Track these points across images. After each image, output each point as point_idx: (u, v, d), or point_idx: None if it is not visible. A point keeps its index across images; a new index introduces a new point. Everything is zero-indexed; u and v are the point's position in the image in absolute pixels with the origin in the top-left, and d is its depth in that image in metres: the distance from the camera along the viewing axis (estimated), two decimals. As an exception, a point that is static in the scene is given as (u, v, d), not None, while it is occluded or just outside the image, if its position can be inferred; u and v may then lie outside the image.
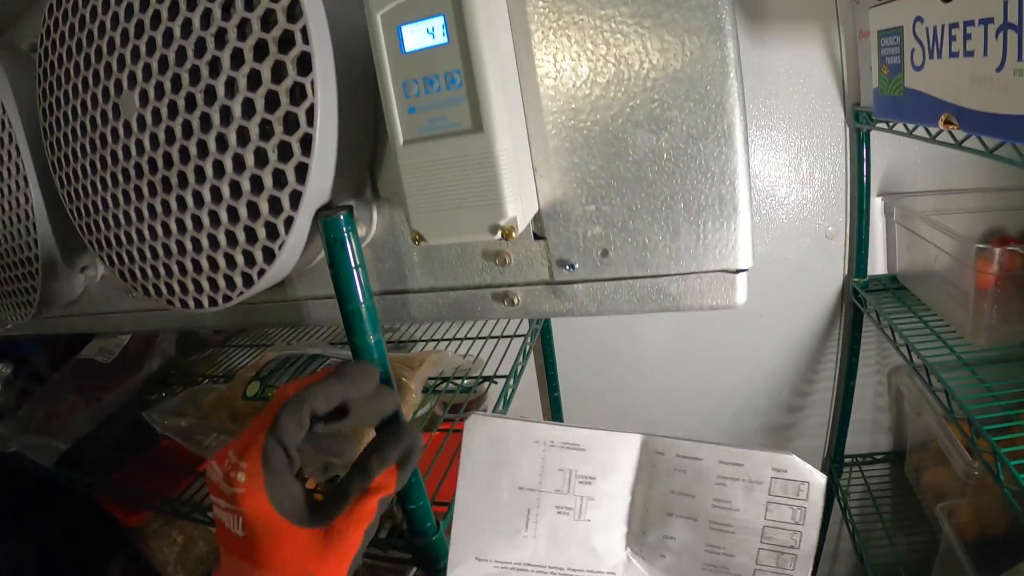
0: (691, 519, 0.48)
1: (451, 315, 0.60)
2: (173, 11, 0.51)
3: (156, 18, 0.52)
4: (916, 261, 1.22)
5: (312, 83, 0.47)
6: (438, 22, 0.45)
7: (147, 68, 0.54)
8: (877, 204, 1.27)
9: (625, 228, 0.51)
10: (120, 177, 0.59)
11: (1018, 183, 1.25)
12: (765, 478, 0.47)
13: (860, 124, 1.19)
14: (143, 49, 0.54)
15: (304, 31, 0.46)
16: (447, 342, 1.18)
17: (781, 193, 1.26)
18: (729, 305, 0.50)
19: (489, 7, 0.46)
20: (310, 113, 0.48)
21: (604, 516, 0.49)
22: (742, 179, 0.50)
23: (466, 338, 1.18)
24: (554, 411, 1.49)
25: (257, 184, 0.51)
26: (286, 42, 0.48)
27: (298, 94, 0.48)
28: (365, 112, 0.54)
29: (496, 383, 1.03)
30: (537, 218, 0.55)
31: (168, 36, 0.52)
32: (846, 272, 1.32)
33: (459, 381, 1.05)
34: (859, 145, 1.22)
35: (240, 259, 0.54)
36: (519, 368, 1.01)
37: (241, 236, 0.53)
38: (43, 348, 1.38)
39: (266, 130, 0.50)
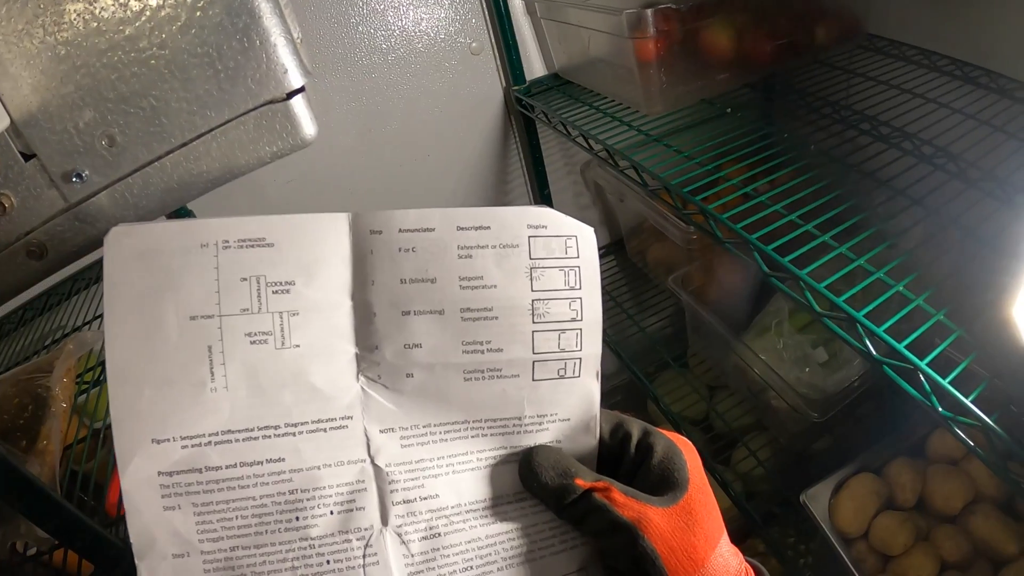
0: (436, 313, 0.36)
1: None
2: None
3: None
4: (573, 51, 1.17)
5: None
6: None
7: None
8: (518, 6, 1.20)
9: (120, 97, 0.36)
10: None
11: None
12: (521, 239, 0.36)
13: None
14: None
15: None
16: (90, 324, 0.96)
17: (411, 23, 1.13)
18: (298, 143, 0.38)
19: None
20: None
21: (319, 336, 0.35)
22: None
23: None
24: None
25: None
26: None
27: None
28: None
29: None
30: (15, 133, 0.37)
31: None
32: (504, 84, 1.25)
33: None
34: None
35: None
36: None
37: None
38: None
39: None
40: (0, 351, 1.09)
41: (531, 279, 0.36)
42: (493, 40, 1.21)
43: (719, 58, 0.99)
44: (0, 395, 0.76)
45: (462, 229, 0.36)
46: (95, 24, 0.35)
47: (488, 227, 0.36)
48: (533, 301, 0.36)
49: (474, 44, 1.19)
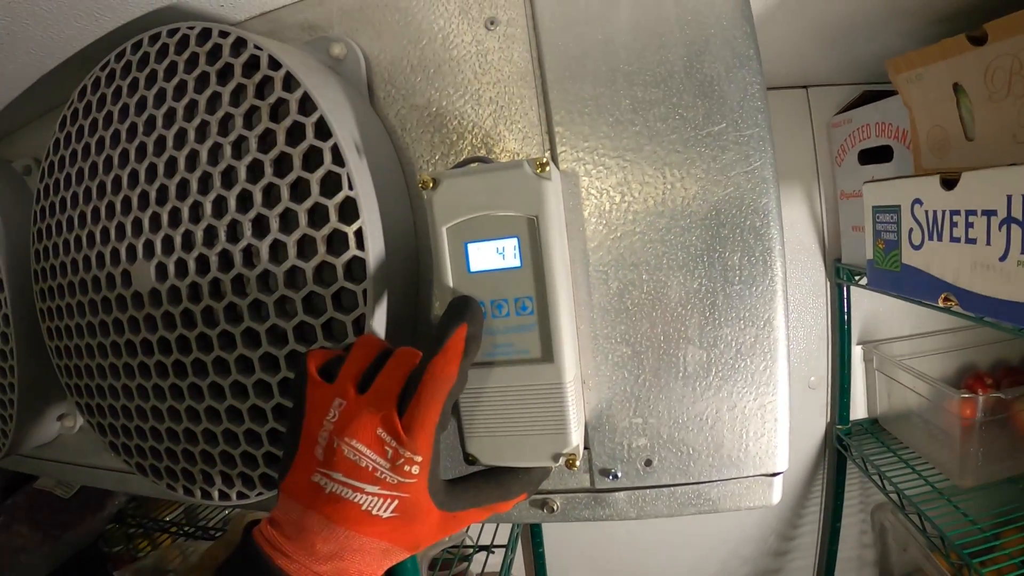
0: None
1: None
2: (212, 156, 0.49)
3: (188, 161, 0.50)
4: (896, 405, 1.25)
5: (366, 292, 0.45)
6: (510, 244, 0.42)
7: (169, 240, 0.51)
8: (857, 352, 1.30)
9: (671, 440, 0.50)
10: (124, 351, 0.55)
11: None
12: None
13: (840, 280, 1.23)
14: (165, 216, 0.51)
15: (359, 235, 0.44)
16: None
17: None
18: (764, 505, 0.49)
19: (561, 226, 0.44)
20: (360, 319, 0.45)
21: None
22: (783, 389, 0.49)
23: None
24: (538, 567, 1.46)
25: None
26: (338, 243, 0.46)
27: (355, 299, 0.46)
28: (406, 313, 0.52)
29: (494, 552, 0.99)
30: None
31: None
32: (828, 419, 1.33)
33: (455, 550, 1.01)
34: (839, 298, 1.25)
35: (261, 461, 0.50)
36: (515, 535, 0.97)
37: (264, 438, 0.49)
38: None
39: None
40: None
41: None
42: (830, 379, 1.31)
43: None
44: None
45: None
46: (678, 390, 0.49)
47: None
48: None
49: (812, 379, 1.29)
